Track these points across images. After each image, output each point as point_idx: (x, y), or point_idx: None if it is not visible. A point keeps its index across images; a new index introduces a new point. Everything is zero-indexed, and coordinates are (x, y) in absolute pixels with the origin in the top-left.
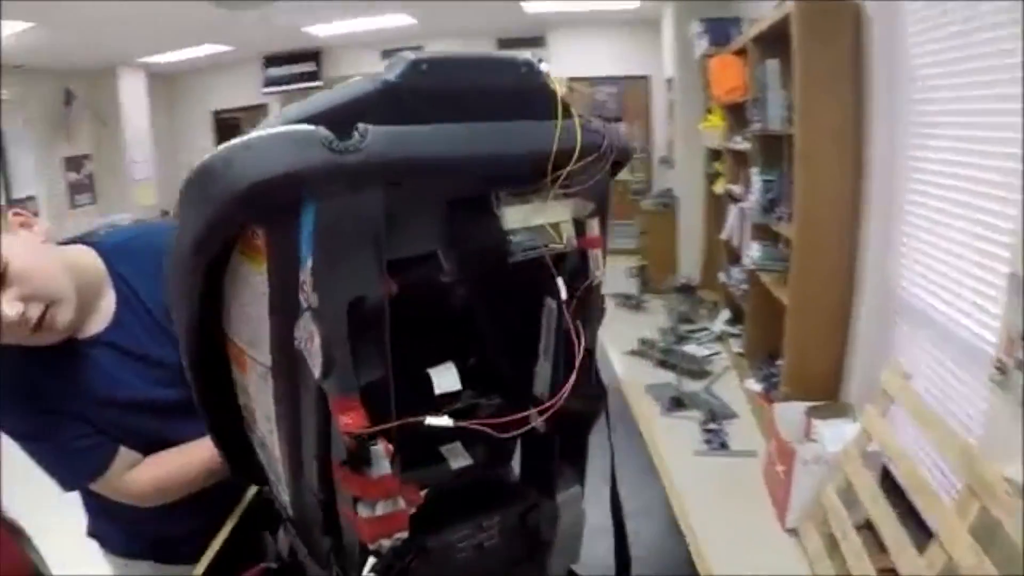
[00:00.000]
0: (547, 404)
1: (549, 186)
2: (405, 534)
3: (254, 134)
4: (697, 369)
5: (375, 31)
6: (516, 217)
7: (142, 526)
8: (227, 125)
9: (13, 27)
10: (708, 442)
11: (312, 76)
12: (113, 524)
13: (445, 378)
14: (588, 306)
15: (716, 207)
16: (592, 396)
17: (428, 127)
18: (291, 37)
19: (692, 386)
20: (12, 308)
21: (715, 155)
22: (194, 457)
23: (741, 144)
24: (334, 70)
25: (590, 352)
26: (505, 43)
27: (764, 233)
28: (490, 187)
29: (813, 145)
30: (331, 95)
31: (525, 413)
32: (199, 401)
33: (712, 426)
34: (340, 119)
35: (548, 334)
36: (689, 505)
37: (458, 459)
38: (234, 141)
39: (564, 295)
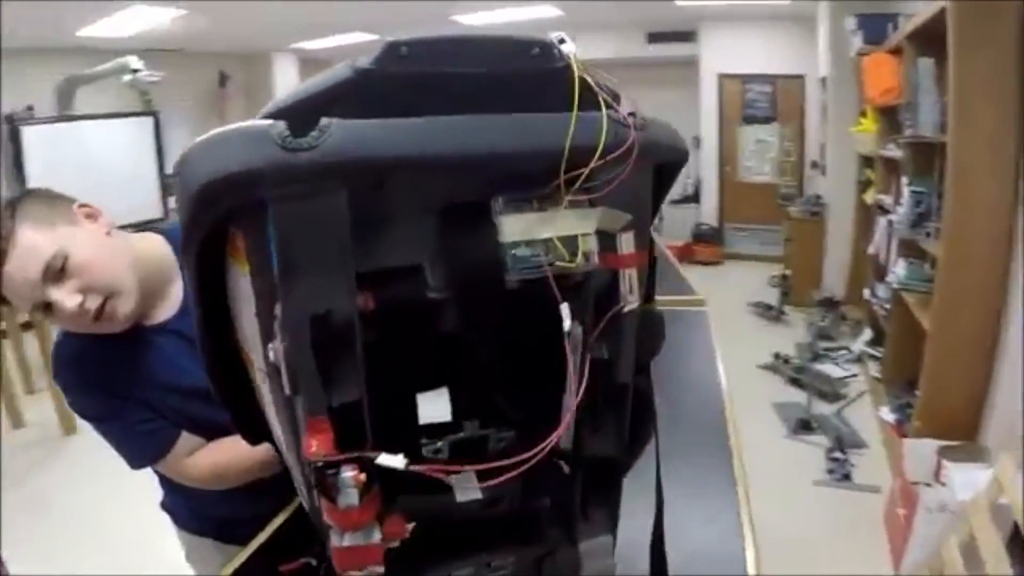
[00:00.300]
0: (516, 458)
1: (562, 191)
2: (380, 569)
3: (216, 130)
4: (830, 391)
5: (523, 22)
6: (516, 228)
7: (208, 507)
8: None
9: (168, 14)
10: (831, 471)
11: None
12: (182, 502)
13: (434, 406)
14: (620, 336)
15: (866, 218)
16: (626, 439)
17: (405, 121)
18: (439, 26)
19: (823, 408)
20: (71, 300)
21: (867, 162)
22: (252, 448)
23: (893, 151)
24: None
25: (624, 389)
26: (655, 37)
27: (911, 250)
28: (488, 191)
29: (967, 155)
30: (307, 84)
31: (507, 461)
32: (219, 399)
33: (838, 455)
34: (312, 111)
35: (578, 358)
36: (799, 538)
37: (466, 491)
38: (201, 137)
39: (567, 324)
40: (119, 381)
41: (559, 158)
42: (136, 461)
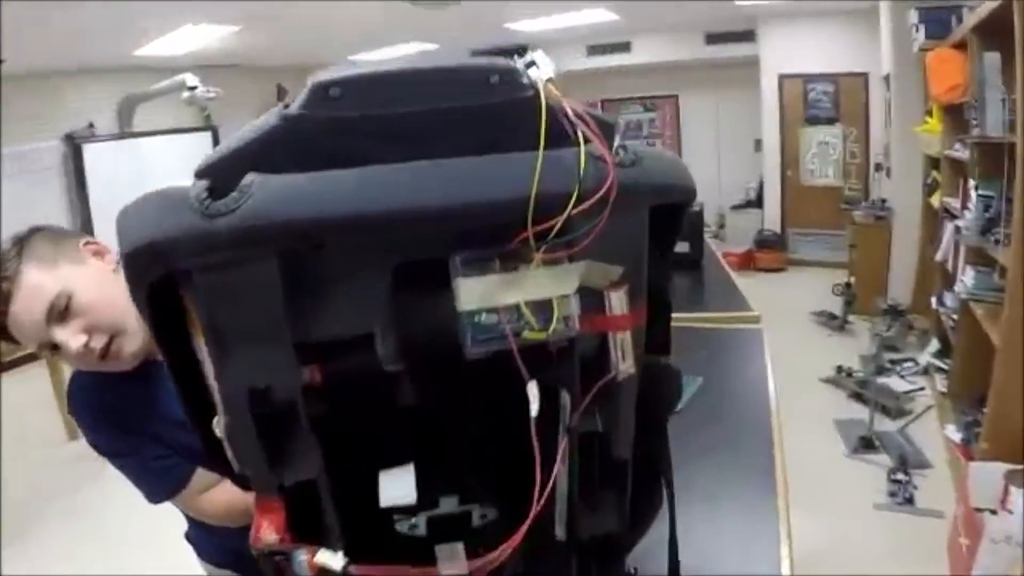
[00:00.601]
0: (479, 560)
1: (531, 245)
2: None
3: (145, 193)
4: (894, 406)
5: (578, 27)
6: (475, 293)
7: (229, 540)
8: None
9: (224, 30)
10: (892, 494)
11: None
12: (204, 534)
13: (398, 485)
14: (615, 407)
15: (933, 222)
16: (627, 517)
17: (339, 174)
18: (494, 33)
19: (886, 425)
20: (76, 340)
21: (934, 163)
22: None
23: (960, 152)
24: None
25: (623, 464)
26: (713, 38)
27: (980, 257)
28: (445, 248)
29: None
30: (238, 135)
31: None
32: (203, 446)
33: (900, 476)
34: (244, 166)
35: (563, 436)
36: (856, 567)
37: (450, 564)
38: (133, 199)
39: (535, 408)
40: (133, 417)
41: (525, 208)
42: (153, 496)
